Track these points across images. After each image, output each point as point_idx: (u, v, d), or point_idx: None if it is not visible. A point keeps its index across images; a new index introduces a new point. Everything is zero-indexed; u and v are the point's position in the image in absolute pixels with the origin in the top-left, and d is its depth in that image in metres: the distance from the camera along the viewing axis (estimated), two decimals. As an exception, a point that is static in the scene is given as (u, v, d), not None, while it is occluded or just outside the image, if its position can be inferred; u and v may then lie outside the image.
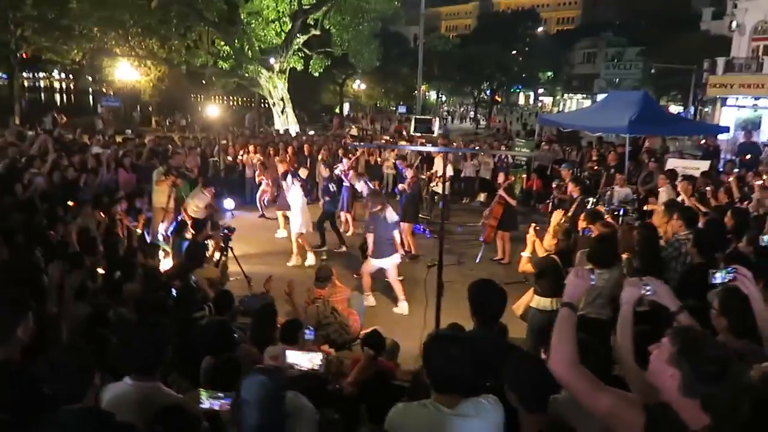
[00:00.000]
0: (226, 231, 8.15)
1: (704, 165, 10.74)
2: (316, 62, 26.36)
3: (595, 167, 14.24)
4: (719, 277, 2.74)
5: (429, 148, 13.00)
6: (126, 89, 28.27)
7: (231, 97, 34.09)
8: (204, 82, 32.32)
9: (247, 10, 24.41)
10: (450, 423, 2.22)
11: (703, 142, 16.67)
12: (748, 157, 13.34)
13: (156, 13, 22.03)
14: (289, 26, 24.67)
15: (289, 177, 10.10)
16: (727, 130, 15.40)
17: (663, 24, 47.37)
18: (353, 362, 5.03)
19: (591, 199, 9.21)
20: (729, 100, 31.47)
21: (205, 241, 7.98)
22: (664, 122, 13.61)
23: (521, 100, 74.03)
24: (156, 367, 2.65)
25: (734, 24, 31.38)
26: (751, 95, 30.09)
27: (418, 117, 5.36)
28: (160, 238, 10.11)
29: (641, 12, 63.06)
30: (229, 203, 12.81)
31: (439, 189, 12.81)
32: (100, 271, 6.56)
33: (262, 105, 40.14)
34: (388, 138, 18.81)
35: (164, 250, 8.94)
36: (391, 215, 8.19)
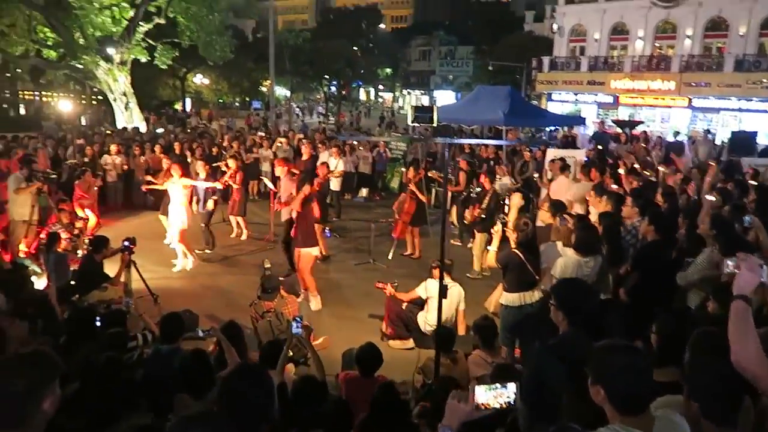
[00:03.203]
0: (126, 243, 7.04)
1: (580, 153, 11.69)
2: (163, 53, 24.23)
3: (469, 160, 14.92)
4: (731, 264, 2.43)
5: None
6: None
7: (54, 93, 29.90)
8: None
9: (77, -7, 21.59)
10: None
11: (553, 132, 18.31)
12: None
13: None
14: (129, 13, 22.39)
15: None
16: (584, 121, 17.07)
17: (489, 25, 51.04)
18: (342, 380, 4.61)
19: (504, 183, 9.48)
20: (554, 95, 35.04)
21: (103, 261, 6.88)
22: (533, 115, 14.62)
23: (362, 96, 75.47)
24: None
25: (555, 27, 35.00)
26: (572, 91, 33.78)
27: (417, 106, 5.00)
28: (22, 255, 8.68)
29: (467, 13, 67.48)
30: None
31: (332, 186, 12.46)
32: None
33: (93, 101, 36.05)
34: (262, 135, 17.85)
35: (33, 270, 7.63)
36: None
